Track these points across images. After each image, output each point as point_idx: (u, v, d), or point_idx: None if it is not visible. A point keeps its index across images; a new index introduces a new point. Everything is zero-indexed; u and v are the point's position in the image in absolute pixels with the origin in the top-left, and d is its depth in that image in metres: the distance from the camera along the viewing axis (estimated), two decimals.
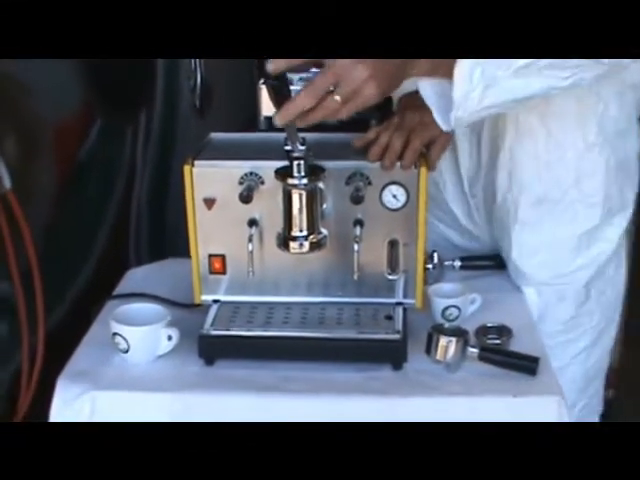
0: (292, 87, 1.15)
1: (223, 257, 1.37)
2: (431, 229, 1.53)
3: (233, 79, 2.05)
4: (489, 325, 1.40)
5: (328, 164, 1.30)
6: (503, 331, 1.39)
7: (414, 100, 1.29)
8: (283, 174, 1.27)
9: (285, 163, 1.27)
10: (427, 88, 1.23)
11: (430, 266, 1.52)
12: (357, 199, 1.29)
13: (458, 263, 1.60)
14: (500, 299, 1.50)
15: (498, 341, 1.37)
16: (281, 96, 1.14)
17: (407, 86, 1.22)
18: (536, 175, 1.48)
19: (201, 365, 1.33)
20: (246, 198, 1.29)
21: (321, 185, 1.29)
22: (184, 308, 1.45)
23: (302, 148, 1.23)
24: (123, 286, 1.61)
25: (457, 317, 1.42)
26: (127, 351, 1.32)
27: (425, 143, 1.34)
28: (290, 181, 1.25)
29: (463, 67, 1.15)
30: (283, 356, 1.33)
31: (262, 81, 1.20)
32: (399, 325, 1.33)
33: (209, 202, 1.34)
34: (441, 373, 1.29)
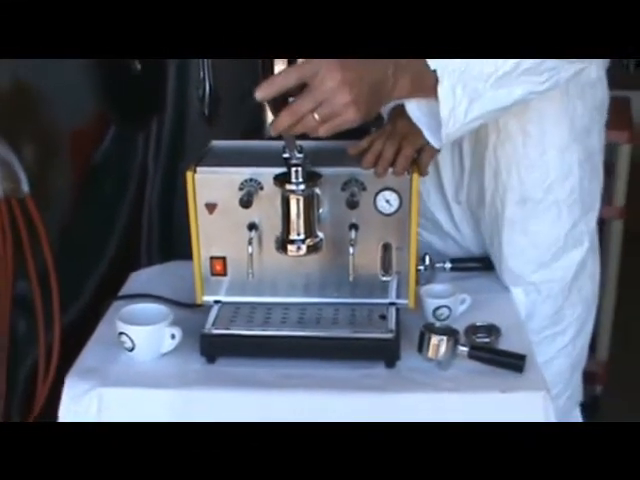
0: (290, 99, 1.15)
1: (224, 259, 1.38)
2: None
3: (240, 89, 2.07)
4: (478, 324, 1.40)
5: (325, 171, 1.31)
6: (492, 330, 1.39)
7: (405, 109, 1.29)
8: (282, 180, 1.28)
9: (283, 170, 1.28)
10: (415, 110, 1.24)
11: (422, 268, 1.53)
12: (352, 204, 1.31)
13: (449, 265, 1.60)
14: (489, 299, 1.51)
15: (487, 340, 1.38)
16: (279, 107, 1.14)
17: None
18: (517, 176, 1.49)
19: (203, 363, 1.35)
20: (246, 203, 1.31)
21: (318, 191, 1.31)
22: (186, 308, 1.46)
23: (300, 155, 1.25)
24: (128, 287, 1.62)
25: (448, 317, 1.43)
26: (132, 349, 1.34)
27: (416, 149, 1.34)
28: (288, 187, 1.27)
29: (444, 85, 1.16)
30: (281, 354, 1.34)
31: None
32: (392, 324, 1.34)
33: (211, 207, 1.35)
34: (433, 370, 1.31)
